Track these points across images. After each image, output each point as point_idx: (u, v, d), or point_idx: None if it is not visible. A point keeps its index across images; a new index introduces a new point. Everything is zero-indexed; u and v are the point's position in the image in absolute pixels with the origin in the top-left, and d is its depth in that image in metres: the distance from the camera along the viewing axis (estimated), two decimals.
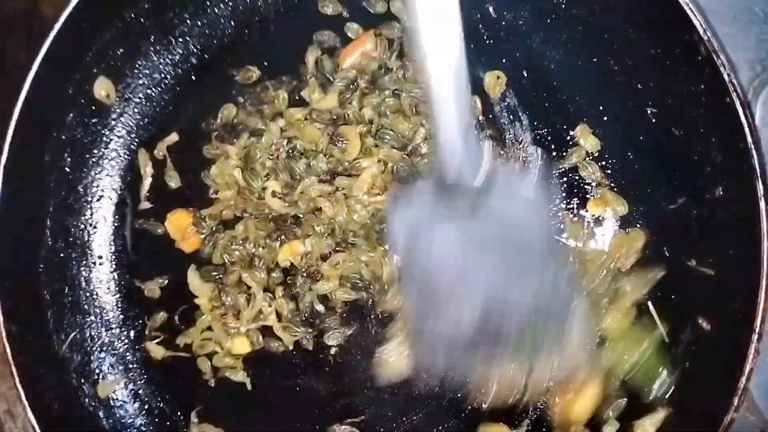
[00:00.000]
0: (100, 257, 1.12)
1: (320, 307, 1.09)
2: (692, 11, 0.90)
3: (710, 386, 0.96)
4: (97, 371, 1.10)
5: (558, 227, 1.02)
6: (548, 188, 0.92)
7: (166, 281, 1.12)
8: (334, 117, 1.09)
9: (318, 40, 1.10)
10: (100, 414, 1.09)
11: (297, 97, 1.11)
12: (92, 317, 1.11)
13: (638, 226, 1.06)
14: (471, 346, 0.89)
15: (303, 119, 1.09)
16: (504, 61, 1.09)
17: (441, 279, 0.88)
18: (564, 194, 1.07)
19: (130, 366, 1.12)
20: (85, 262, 1.11)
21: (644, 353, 1.00)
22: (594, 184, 1.07)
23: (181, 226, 1.11)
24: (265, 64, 1.12)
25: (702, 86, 0.95)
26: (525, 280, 0.87)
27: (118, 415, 1.10)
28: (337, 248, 1.09)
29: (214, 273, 1.10)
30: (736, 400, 0.88)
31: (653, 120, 1.03)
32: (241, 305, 1.09)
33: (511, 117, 1.08)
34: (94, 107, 1.09)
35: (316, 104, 1.09)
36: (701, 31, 0.90)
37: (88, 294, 1.11)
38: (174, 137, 1.12)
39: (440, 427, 1.08)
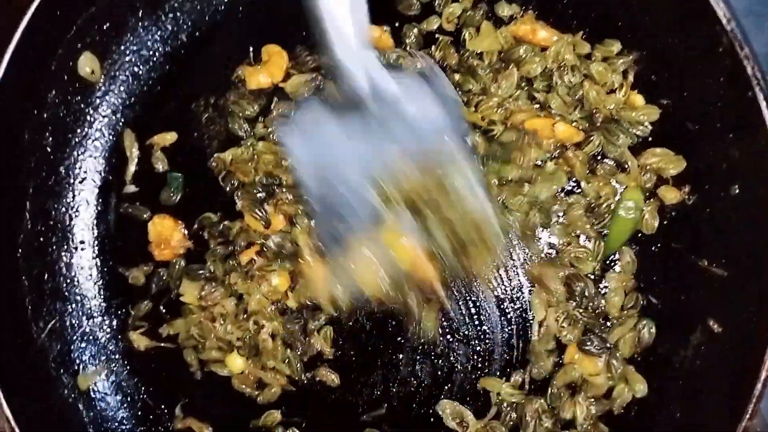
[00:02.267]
0: (82, 242, 1.07)
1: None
2: None
3: (722, 391, 0.92)
4: (77, 361, 1.06)
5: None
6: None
7: (151, 268, 1.07)
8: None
9: None
10: (80, 406, 1.05)
11: None
12: (73, 305, 1.06)
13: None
14: None
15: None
16: None
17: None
18: None
19: (112, 356, 1.07)
20: (66, 247, 1.06)
21: None
22: None
23: (162, 234, 1.06)
24: (260, 42, 1.06)
25: (721, 79, 0.91)
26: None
27: (98, 408, 1.06)
28: None
29: (201, 272, 1.06)
30: (750, 407, 0.85)
31: (667, 113, 0.99)
32: (230, 311, 1.05)
33: None
34: (78, 85, 1.04)
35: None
36: (724, 21, 0.86)
37: (69, 280, 1.06)
38: (173, 136, 1.07)
39: None
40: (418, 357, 1.04)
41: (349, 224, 0.93)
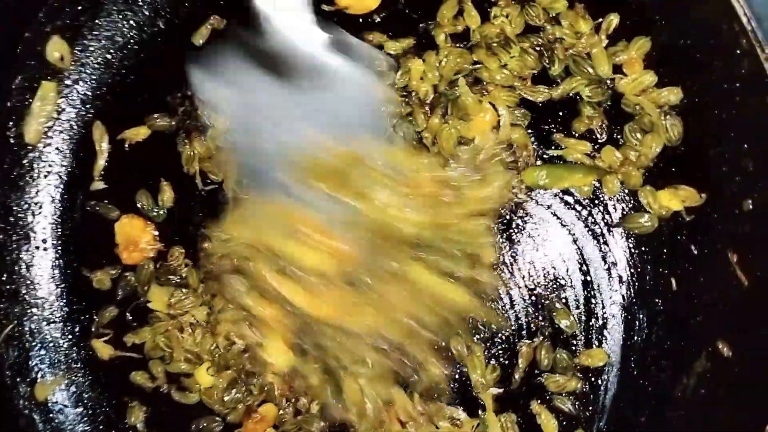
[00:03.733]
0: (44, 241, 1.01)
1: None
2: None
3: (727, 425, 0.87)
4: (35, 370, 1.00)
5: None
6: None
7: (118, 272, 1.01)
8: None
9: None
10: (36, 418, 1.00)
11: None
12: (33, 309, 1.01)
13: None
14: None
15: None
16: None
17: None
18: None
19: (73, 365, 1.01)
20: (27, 246, 1.01)
21: None
22: None
23: (129, 235, 1.00)
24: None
25: (737, 84, 0.86)
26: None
27: (57, 421, 1.01)
28: None
29: (171, 277, 0.99)
30: None
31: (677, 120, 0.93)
32: (201, 321, 0.99)
33: None
34: (45, 71, 0.99)
35: None
36: (745, 21, 0.80)
37: (29, 282, 1.01)
38: (144, 132, 1.01)
39: None
40: None
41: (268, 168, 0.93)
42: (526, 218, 0.98)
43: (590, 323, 0.97)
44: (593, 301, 0.97)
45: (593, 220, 0.97)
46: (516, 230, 0.98)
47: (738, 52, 0.83)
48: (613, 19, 0.93)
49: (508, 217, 0.97)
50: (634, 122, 0.94)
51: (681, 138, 0.92)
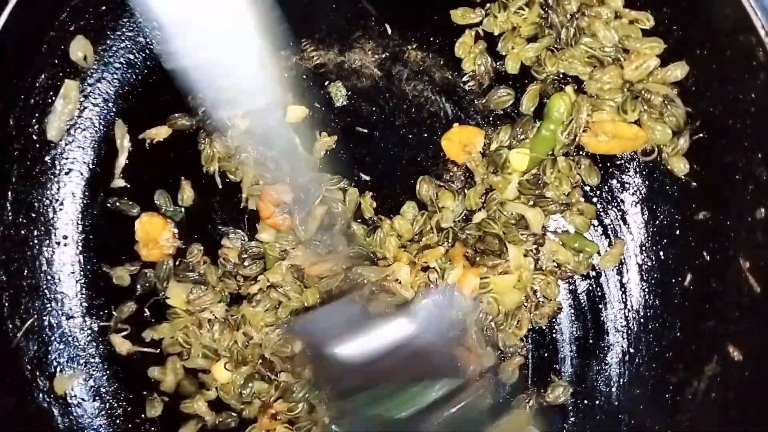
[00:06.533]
0: (65, 237, 1.02)
1: None
2: (753, 8, 0.81)
3: (737, 427, 0.88)
4: (54, 364, 1.01)
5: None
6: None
7: (138, 268, 1.02)
8: None
9: None
10: (55, 411, 1.00)
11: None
12: (52, 303, 1.02)
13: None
14: None
15: None
16: None
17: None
18: None
19: (92, 360, 1.02)
20: (48, 241, 1.02)
21: None
22: None
23: (149, 233, 1.01)
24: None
25: (753, 95, 0.87)
26: None
27: (74, 414, 1.01)
28: None
29: (189, 273, 1.01)
30: None
31: (696, 129, 0.95)
32: (219, 317, 1.00)
33: None
34: (68, 70, 1.00)
35: None
36: (762, 33, 0.81)
37: (49, 277, 1.02)
38: (165, 131, 1.02)
39: None
40: None
41: None
42: None
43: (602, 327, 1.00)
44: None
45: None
46: None
47: (754, 63, 0.84)
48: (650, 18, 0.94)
49: None
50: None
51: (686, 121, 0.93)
